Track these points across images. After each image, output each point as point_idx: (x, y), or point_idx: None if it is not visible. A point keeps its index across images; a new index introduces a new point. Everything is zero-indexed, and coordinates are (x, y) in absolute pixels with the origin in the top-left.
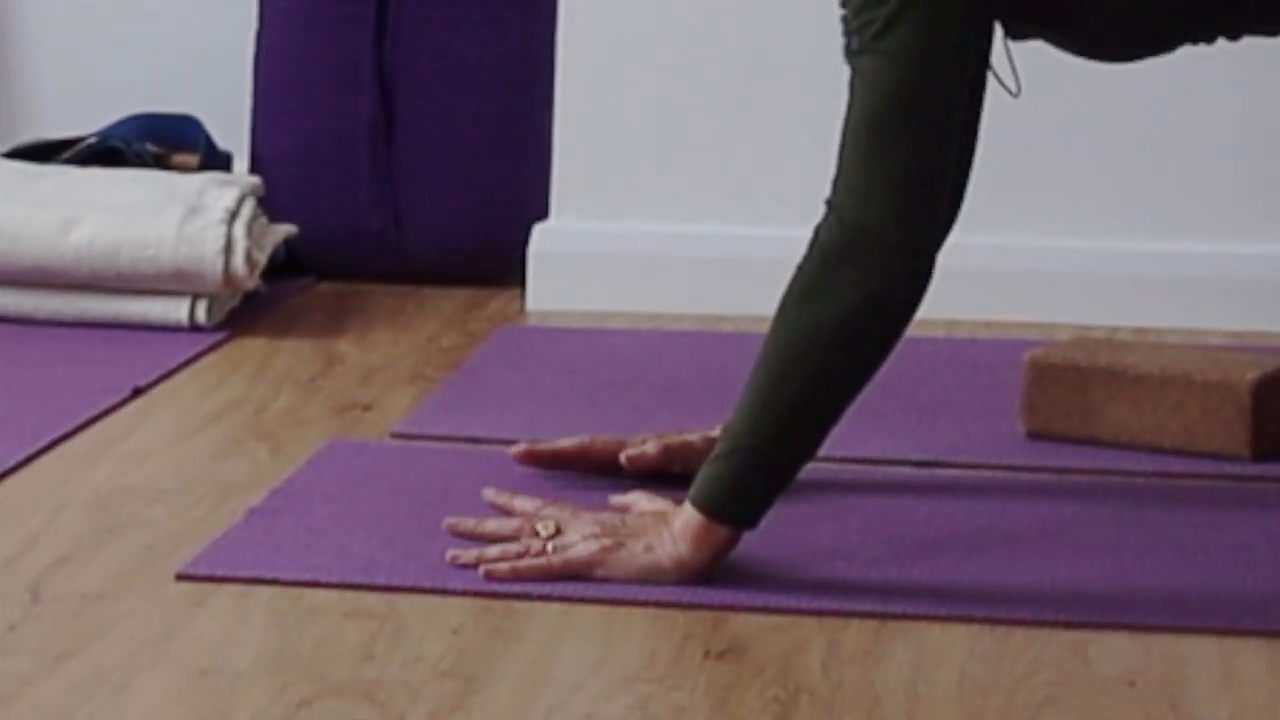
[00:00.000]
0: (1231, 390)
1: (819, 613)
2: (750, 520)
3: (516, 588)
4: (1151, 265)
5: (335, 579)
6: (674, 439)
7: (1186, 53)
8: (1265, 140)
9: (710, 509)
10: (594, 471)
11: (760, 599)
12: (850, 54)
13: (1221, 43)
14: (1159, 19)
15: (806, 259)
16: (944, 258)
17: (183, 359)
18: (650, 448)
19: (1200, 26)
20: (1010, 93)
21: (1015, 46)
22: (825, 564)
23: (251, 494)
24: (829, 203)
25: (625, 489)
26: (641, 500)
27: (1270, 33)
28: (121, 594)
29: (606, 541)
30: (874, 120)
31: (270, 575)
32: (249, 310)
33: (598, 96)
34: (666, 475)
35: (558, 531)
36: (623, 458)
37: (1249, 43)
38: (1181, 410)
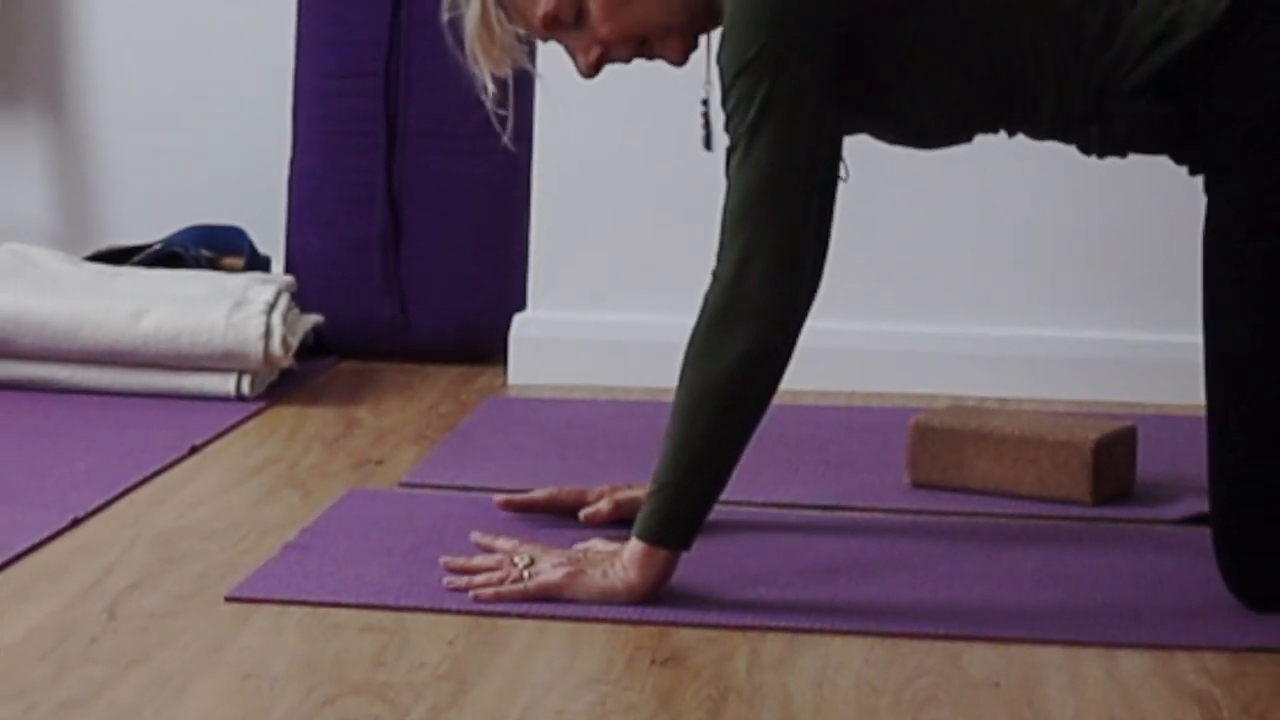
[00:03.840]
0: (1077, 448)
1: (743, 628)
2: (682, 542)
3: (500, 607)
4: (1012, 347)
5: (353, 600)
6: (624, 495)
7: (1045, 171)
8: (1103, 247)
9: (648, 538)
10: (561, 515)
11: (696, 616)
12: (727, 150)
13: (1077, 166)
14: (956, 116)
15: (699, 321)
16: (842, 341)
17: (231, 423)
18: (604, 505)
19: (989, 125)
20: (842, 179)
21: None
22: (748, 588)
23: (286, 532)
24: (715, 273)
25: (588, 533)
26: (598, 543)
27: (1036, 136)
28: (181, 613)
29: (571, 569)
30: (747, 204)
31: (301, 597)
32: (284, 384)
33: (566, 210)
34: (620, 523)
35: (532, 562)
36: (581, 516)
37: (1099, 164)
38: (1036, 464)
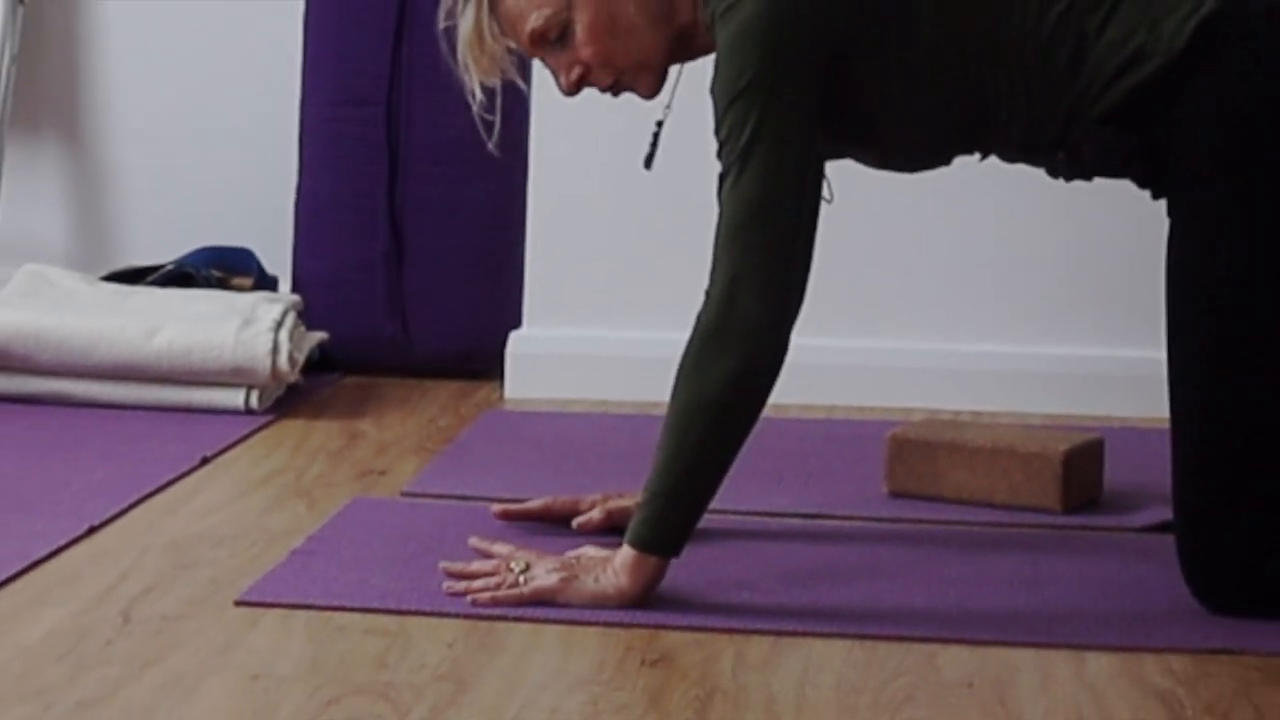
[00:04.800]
0: (1047, 459)
1: (729, 630)
2: (672, 550)
3: (496, 611)
4: (986, 362)
5: (357, 604)
6: (615, 504)
7: (1018, 195)
8: (1072, 268)
9: (639, 545)
10: (555, 524)
11: (684, 620)
12: (720, 176)
13: (1048, 190)
14: (934, 141)
15: (691, 338)
16: (823, 358)
17: (240, 436)
18: (596, 514)
19: (964, 149)
20: (827, 200)
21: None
22: (734, 592)
23: (293, 539)
24: (708, 292)
25: (581, 540)
26: (590, 550)
27: (1007, 159)
28: (193, 616)
29: (565, 574)
30: (737, 226)
31: (307, 601)
32: (291, 398)
33: (560, 232)
34: (611, 531)
35: (527, 568)
36: (574, 524)
37: (1069, 189)
38: (1008, 475)
